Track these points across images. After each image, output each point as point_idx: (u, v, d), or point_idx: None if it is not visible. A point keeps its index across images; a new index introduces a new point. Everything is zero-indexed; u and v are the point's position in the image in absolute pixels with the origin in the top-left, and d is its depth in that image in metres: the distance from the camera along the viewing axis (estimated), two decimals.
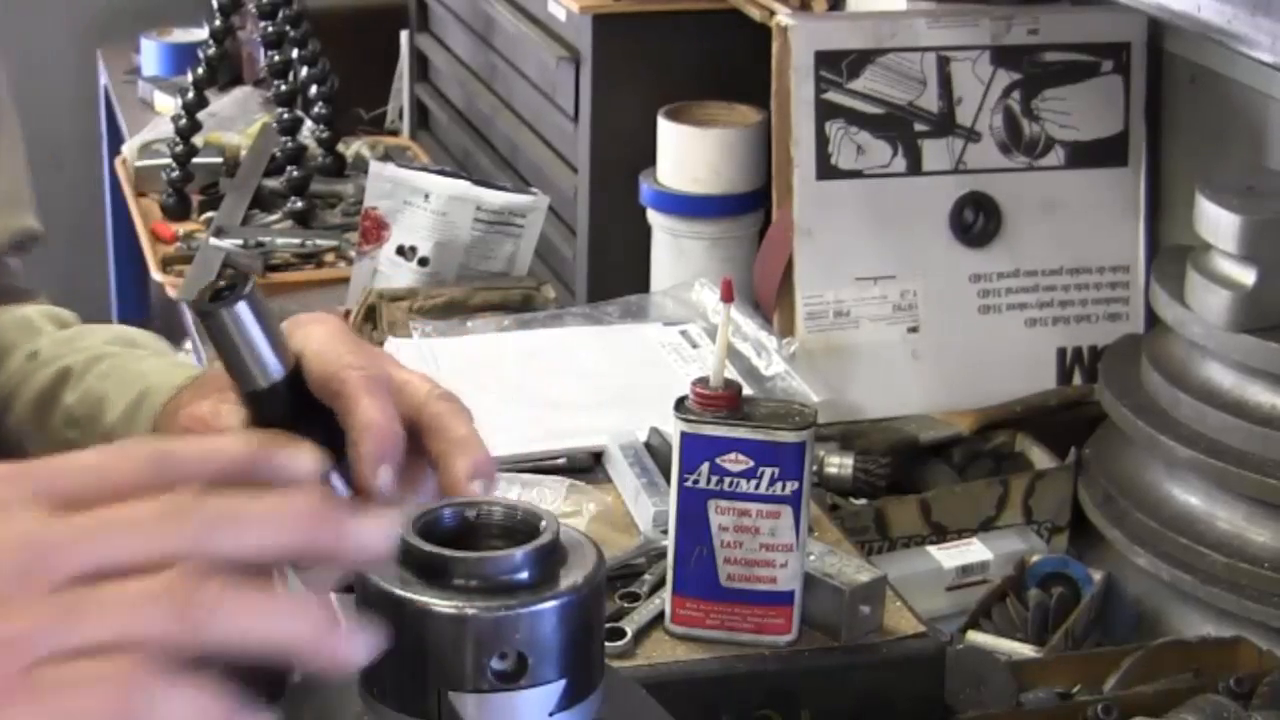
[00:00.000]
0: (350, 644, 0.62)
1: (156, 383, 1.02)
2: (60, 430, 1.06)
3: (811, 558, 1.29)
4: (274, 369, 0.78)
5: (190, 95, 2.62)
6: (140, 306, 3.50)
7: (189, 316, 2.28)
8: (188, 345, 2.50)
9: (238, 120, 2.80)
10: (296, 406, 0.79)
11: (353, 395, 0.79)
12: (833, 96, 1.79)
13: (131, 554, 0.59)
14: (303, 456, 0.67)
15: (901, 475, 1.70)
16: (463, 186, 2.08)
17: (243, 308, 0.76)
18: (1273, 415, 1.48)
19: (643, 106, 2.04)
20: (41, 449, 1.06)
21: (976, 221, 1.84)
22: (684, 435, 1.24)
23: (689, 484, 1.24)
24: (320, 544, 0.63)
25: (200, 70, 2.64)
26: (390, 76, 2.97)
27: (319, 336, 0.82)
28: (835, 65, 1.79)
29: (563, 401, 1.65)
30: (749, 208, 2.00)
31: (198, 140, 2.63)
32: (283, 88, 2.57)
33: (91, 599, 0.58)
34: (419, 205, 2.07)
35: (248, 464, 0.65)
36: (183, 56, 3.15)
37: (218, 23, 2.65)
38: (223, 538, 0.61)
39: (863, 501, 1.64)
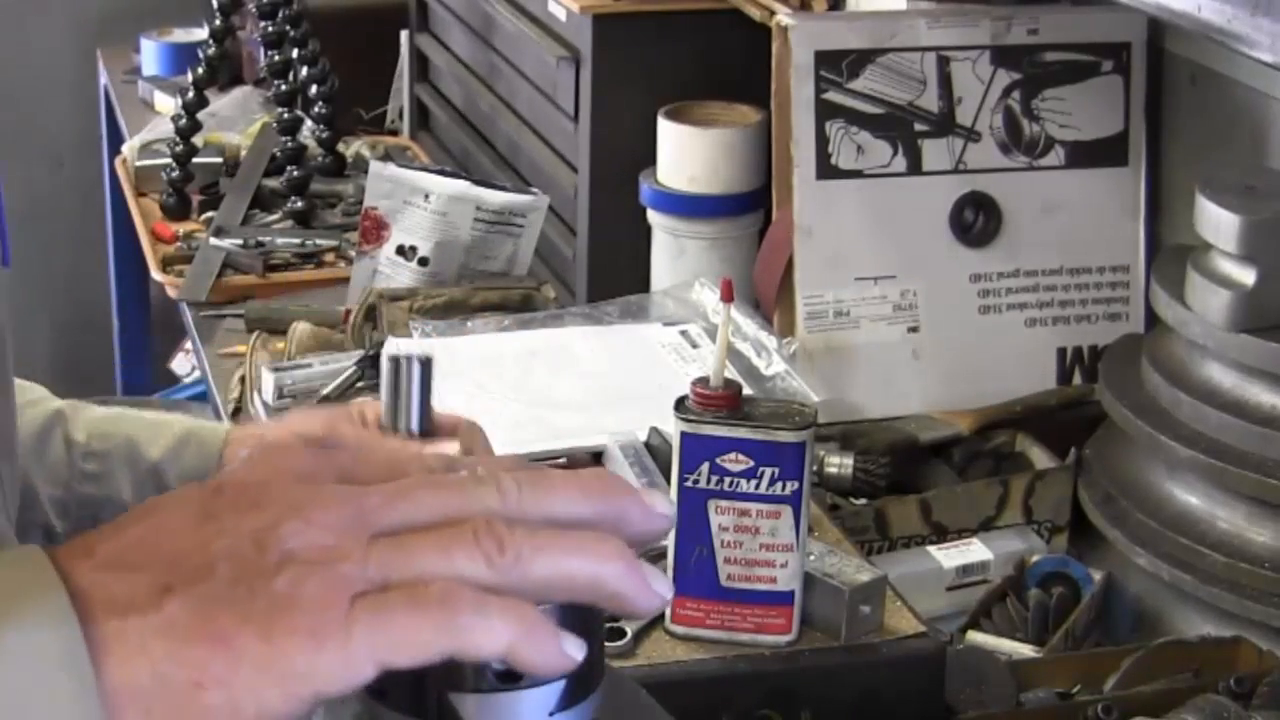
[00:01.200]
0: (655, 583, 0.64)
1: (194, 427, 1.15)
2: (74, 466, 1.13)
3: (811, 558, 1.29)
4: (421, 424, 1.01)
5: (190, 95, 2.62)
6: (140, 306, 3.50)
7: (189, 316, 2.27)
8: (188, 345, 2.50)
9: (238, 120, 2.80)
10: None
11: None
12: (833, 96, 1.79)
13: (438, 513, 0.63)
14: (660, 500, 0.68)
15: (901, 475, 1.70)
16: (463, 186, 2.08)
17: (422, 365, 1.00)
18: (1273, 415, 1.48)
19: (643, 106, 2.04)
20: (43, 476, 1.13)
21: (976, 221, 1.84)
22: (684, 435, 1.24)
23: (689, 484, 1.24)
24: (618, 513, 0.65)
25: (200, 70, 2.64)
26: (390, 76, 2.97)
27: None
28: (835, 65, 1.79)
29: (563, 401, 1.65)
30: (749, 207, 2.00)
31: (198, 140, 2.63)
32: (283, 87, 2.57)
33: (405, 542, 0.62)
34: (419, 205, 2.07)
35: (604, 506, 0.66)
36: (183, 56, 3.14)
37: (218, 23, 2.65)
38: (526, 499, 0.64)
39: (863, 501, 1.64)
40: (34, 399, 1.17)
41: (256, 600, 0.60)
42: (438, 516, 0.63)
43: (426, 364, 1.02)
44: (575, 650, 0.62)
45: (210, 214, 2.52)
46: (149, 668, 0.59)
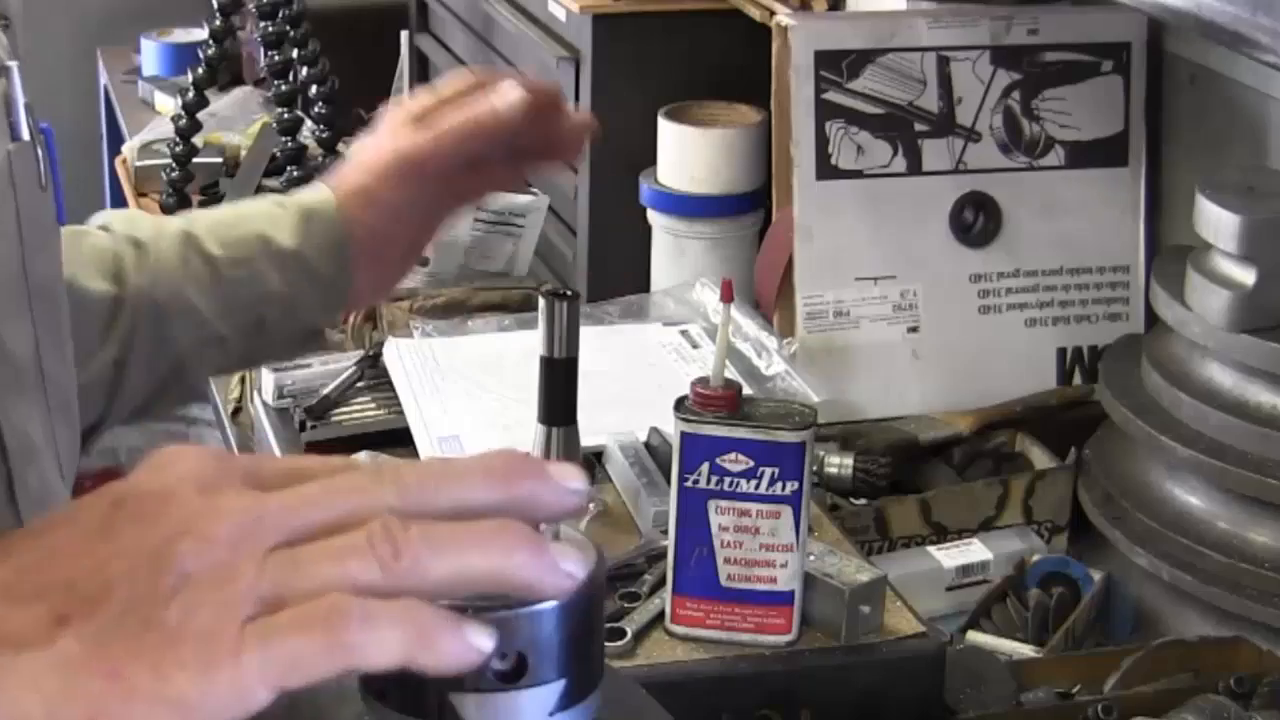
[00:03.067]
0: (565, 564, 0.62)
1: (304, 204, 1.24)
2: (214, 274, 1.21)
3: (811, 558, 1.29)
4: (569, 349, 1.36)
5: (190, 95, 2.63)
6: None
7: None
8: None
9: (238, 120, 2.80)
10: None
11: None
12: (833, 96, 1.79)
13: (337, 516, 0.62)
14: (570, 475, 0.65)
15: (901, 475, 1.70)
16: None
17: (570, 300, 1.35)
18: (1273, 415, 1.48)
19: (643, 106, 2.04)
20: (198, 290, 1.21)
21: (976, 221, 1.84)
22: (684, 435, 1.24)
23: (689, 484, 1.24)
24: (527, 495, 0.63)
25: (200, 70, 2.64)
26: (390, 77, 2.96)
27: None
28: (835, 65, 1.79)
29: None
30: (749, 208, 2.00)
31: (198, 140, 2.63)
32: (283, 88, 2.57)
33: (299, 555, 0.61)
34: None
35: (510, 489, 0.64)
36: (183, 56, 3.15)
37: (218, 23, 2.65)
38: (426, 493, 0.63)
39: (863, 501, 1.64)
40: (160, 229, 1.24)
41: (149, 631, 0.59)
42: (335, 520, 0.62)
43: (574, 299, 1.34)
44: (483, 641, 0.61)
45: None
46: (42, 704, 0.59)
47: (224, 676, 0.59)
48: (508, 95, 1.18)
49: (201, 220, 1.25)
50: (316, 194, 1.24)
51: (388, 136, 1.23)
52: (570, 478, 0.64)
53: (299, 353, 1.50)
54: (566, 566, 0.62)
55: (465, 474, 0.63)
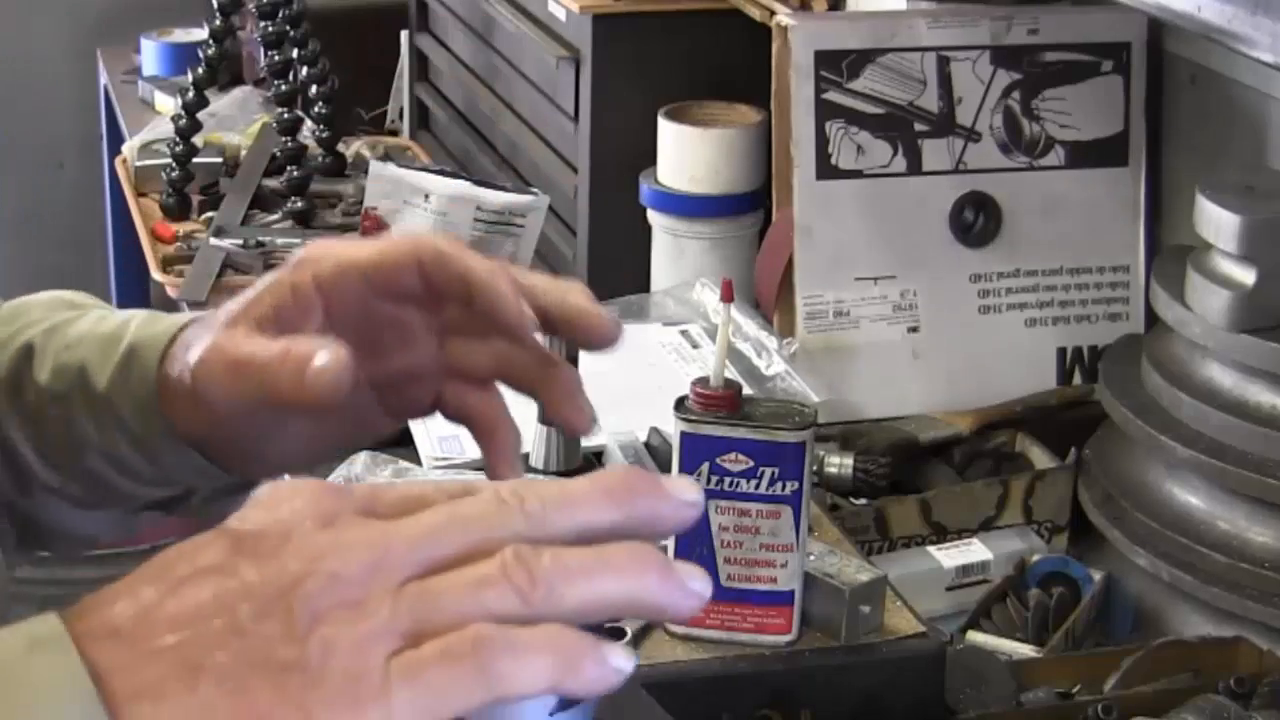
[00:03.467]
0: (693, 584, 0.63)
1: (140, 338, 0.93)
2: (41, 408, 0.97)
3: (811, 558, 1.29)
4: None
5: (190, 95, 2.62)
6: (140, 306, 3.47)
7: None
8: None
9: (238, 120, 2.79)
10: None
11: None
12: (833, 96, 1.79)
13: (466, 546, 0.61)
14: (687, 488, 0.66)
15: (902, 475, 1.70)
16: (463, 186, 2.08)
17: None
18: (1273, 415, 1.48)
19: (643, 106, 2.04)
20: (19, 427, 0.98)
21: (977, 221, 1.84)
22: (684, 435, 1.24)
23: None
24: (649, 513, 0.64)
25: (200, 70, 2.64)
26: (390, 76, 2.97)
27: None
28: (835, 65, 1.79)
29: None
30: (749, 208, 2.00)
31: (198, 140, 2.63)
32: (283, 87, 2.57)
33: (433, 587, 0.60)
34: (419, 205, 2.07)
35: (633, 509, 0.64)
36: (183, 56, 3.14)
37: (218, 23, 2.65)
38: (552, 518, 0.62)
39: (863, 501, 1.64)
40: (15, 330, 1.00)
41: (290, 674, 0.58)
42: (465, 550, 0.61)
43: None
44: (623, 663, 0.61)
45: (210, 214, 2.52)
46: None
47: (374, 714, 0.58)
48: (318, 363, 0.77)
49: (57, 332, 0.99)
50: (160, 331, 0.93)
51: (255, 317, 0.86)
52: (687, 491, 0.65)
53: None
54: (694, 586, 0.63)
55: (587, 496, 0.63)
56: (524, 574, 0.60)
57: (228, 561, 0.61)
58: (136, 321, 0.95)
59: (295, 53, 2.62)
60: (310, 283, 0.84)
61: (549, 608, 0.60)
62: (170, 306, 2.41)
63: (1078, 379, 1.85)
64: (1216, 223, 1.51)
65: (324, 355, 0.76)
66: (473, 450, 1.54)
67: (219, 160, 2.66)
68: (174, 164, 2.60)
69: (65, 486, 0.97)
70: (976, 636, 1.49)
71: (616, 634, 1.26)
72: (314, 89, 2.64)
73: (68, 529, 1.01)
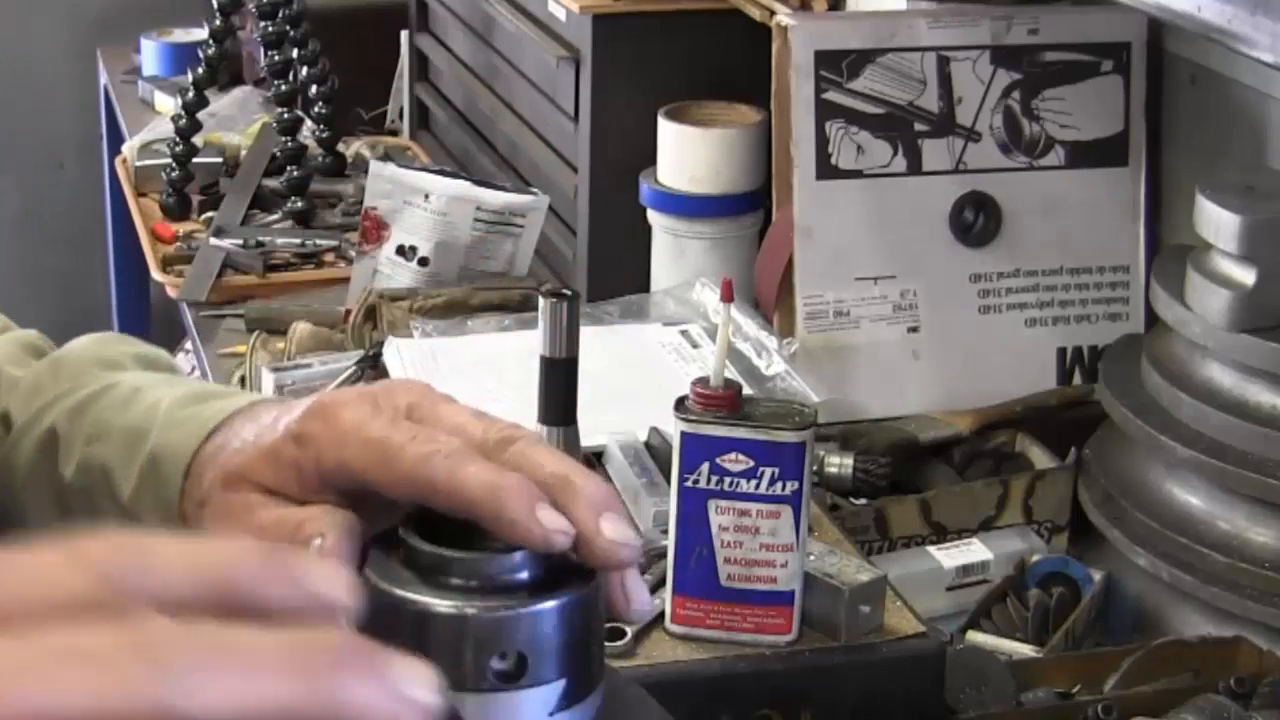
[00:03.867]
0: (405, 689, 0.49)
1: (163, 446, 0.86)
2: (58, 506, 0.91)
3: (811, 558, 1.29)
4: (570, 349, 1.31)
5: (190, 95, 2.62)
6: (140, 306, 3.50)
7: (188, 316, 2.27)
8: (188, 345, 2.50)
9: (238, 120, 2.80)
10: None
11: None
12: (833, 96, 1.79)
13: (92, 702, 0.46)
14: (332, 572, 0.53)
15: (902, 475, 1.70)
16: (463, 186, 2.08)
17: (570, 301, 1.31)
18: (1273, 415, 1.48)
19: (643, 106, 2.04)
20: (41, 526, 0.92)
21: (976, 221, 1.84)
22: (684, 435, 1.24)
23: (689, 484, 1.24)
24: (328, 693, 0.48)
25: (200, 70, 2.64)
26: (390, 76, 2.97)
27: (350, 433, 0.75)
28: (835, 65, 1.79)
29: None
30: (749, 207, 2.00)
31: (198, 140, 2.63)
32: (283, 87, 2.57)
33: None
34: (419, 205, 2.07)
35: (254, 574, 0.51)
36: (183, 56, 3.14)
37: (218, 23, 2.65)
38: (205, 685, 0.47)
39: (863, 501, 1.64)
40: (40, 406, 0.94)
41: None
42: (82, 709, 0.46)
43: (574, 299, 1.33)
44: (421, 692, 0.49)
45: (210, 214, 2.52)
46: None
47: None
48: None
49: (82, 413, 0.93)
50: (183, 443, 0.86)
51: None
52: (415, 682, 0.48)
53: None
54: (412, 691, 0.48)
55: (270, 654, 0.48)
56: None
57: None
58: (162, 414, 0.89)
59: (295, 53, 2.62)
60: (314, 469, 0.77)
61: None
62: (170, 306, 2.41)
63: (1078, 379, 1.85)
64: (1216, 223, 1.51)
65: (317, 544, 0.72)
66: None
67: (219, 160, 2.66)
68: (174, 164, 2.60)
69: None
70: (976, 636, 1.49)
71: (615, 634, 1.26)
72: (314, 89, 2.64)
73: None
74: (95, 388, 0.94)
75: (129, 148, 2.77)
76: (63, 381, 0.95)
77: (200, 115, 2.64)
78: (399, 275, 2.07)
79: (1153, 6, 1.30)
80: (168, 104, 2.99)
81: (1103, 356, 1.78)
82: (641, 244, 2.05)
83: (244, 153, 2.66)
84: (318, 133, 2.64)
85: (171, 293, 2.33)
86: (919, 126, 1.81)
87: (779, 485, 1.23)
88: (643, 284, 2.04)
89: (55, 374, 0.97)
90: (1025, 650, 1.46)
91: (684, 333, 1.83)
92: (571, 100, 2.13)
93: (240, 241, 2.37)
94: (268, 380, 1.78)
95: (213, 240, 2.38)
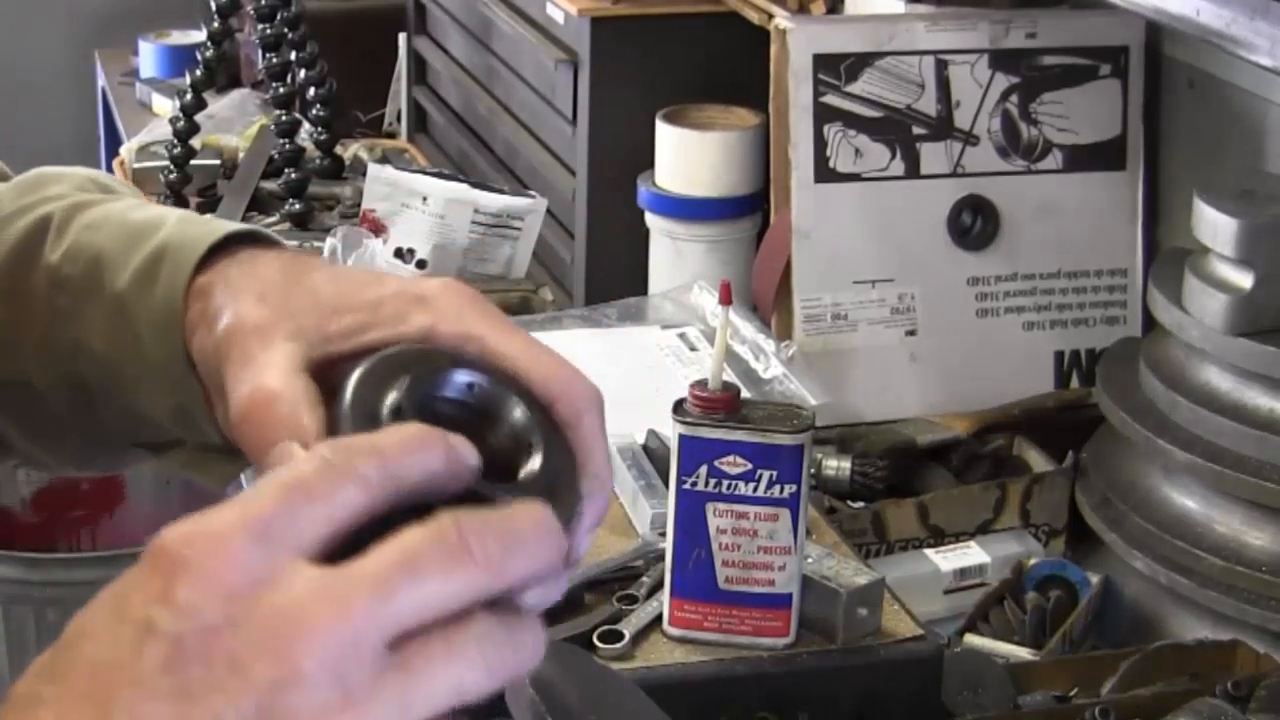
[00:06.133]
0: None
1: (176, 237, 0.80)
2: (43, 294, 0.83)
3: (809, 560, 1.29)
4: None
5: (188, 97, 2.62)
6: None
7: None
8: None
9: (236, 122, 2.80)
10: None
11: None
12: (831, 100, 1.79)
13: (438, 603, 0.58)
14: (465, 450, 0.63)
15: (899, 478, 1.70)
16: (460, 189, 2.09)
17: None
18: (1271, 419, 1.48)
19: (641, 109, 2.04)
20: (19, 316, 0.84)
21: (974, 225, 1.84)
22: (682, 438, 1.24)
23: (687, 486, 1.24)
24: (560, 554, 0.62)
25: (198, 72, 2.64)
26: (388, 79, 2.97)
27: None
28: (833, 68, 1.79)
29: None
30: (747, 211, 2.00)
31: (196, 142, 2.63)
32: (281, 90, 2.57)
33: (411, 667, 0.57)
34: (417, 208, 2.08)
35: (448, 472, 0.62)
36: (181, 58, 3.14)
37: (216, 25, 2.65)
38: (512, 565, 0.60)
39: (860, 504, 1.64)
40: (35, 200, 0.87)
41: None
42: (433, 612, 0.58)
43: None
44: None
45: (208, 216, 2.52)
46: None
47: None
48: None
49: (83, 206, 0.86)
50: (200, 235, 0.80)
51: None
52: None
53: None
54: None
55: (534, 533, 0.61)
56: (503, 645, 0.59)
57: (174, 679, 0.55)
58: (175, 218, 0.82)
59: (293, 55, 2.62)
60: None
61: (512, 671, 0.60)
62: None
63: (1075, 382, 1.86)
64: (1214, 226, 1.51)
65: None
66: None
67: (217, 162, 2.66)
68: (172, 166, 2.60)
69: (51, 392, 0.84)
70: (974, 639, 1.49)
71: (614, 635, 1.26)
72: (312, 91, 2.64)
73: (44, 442, 0.89)
74: (100, 196, 0.88)
75: (127, 149, 2.77)
76: (60, 186, 0.88)
77: (198, 117, 2.64)
78: None
79: (1151, 10, 1.30)
80: (165, 106, 2.99)
81: (1100, 360, 1.78)
82: (639, 247, 2.06)
83: (242, 155, 2.66)
84: (315, 135, 2.64)
85: None
86: (917, 130, 1.82)
87: (777, 488, 1.23)
88: (640, 287, 2.04)
89: (46, 180, 0.89)
90: (1023, 653, 1.46)
91: (682, 335, 1.83)
92: (569, 103, 2.13)
93: None
94: None
95: None
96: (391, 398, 0.66)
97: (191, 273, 0.78)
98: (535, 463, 0.67)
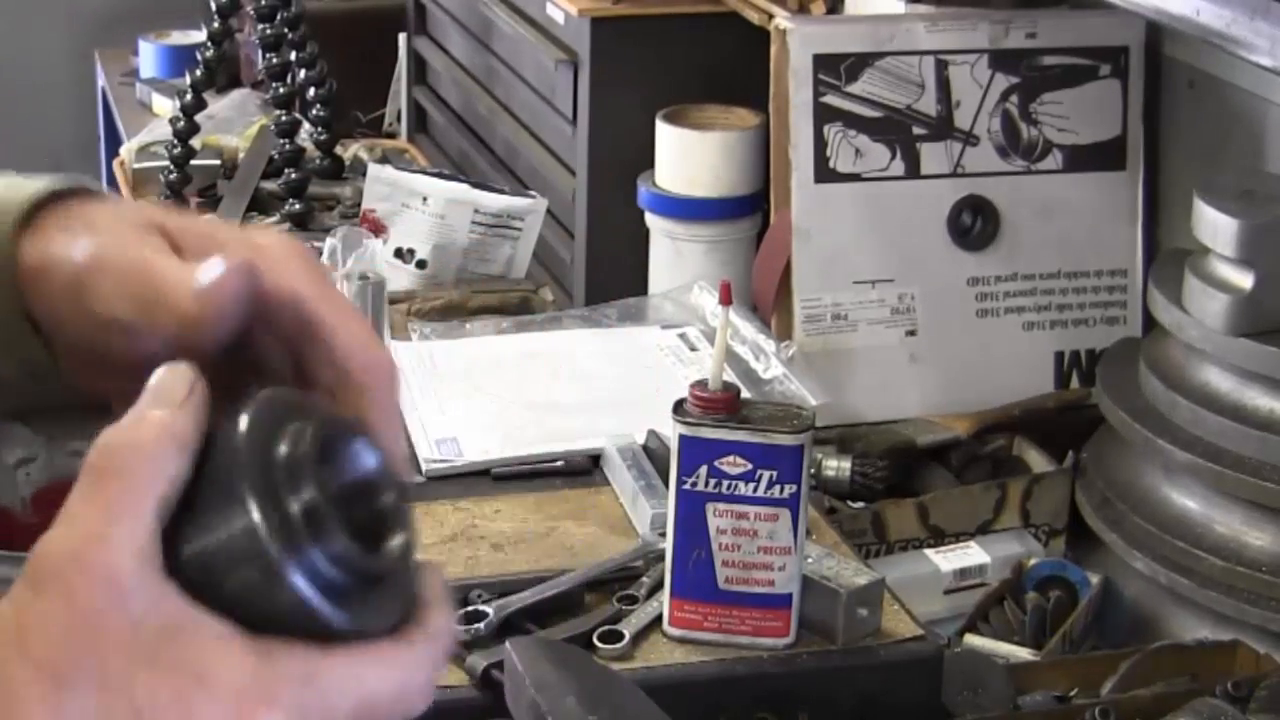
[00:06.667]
0: None
1: (11, 192, 0.75)
2: None
3: (809, 560, 1.29)
4: None
5: (188, 97, 2.62)
6: None
7: None
8: None
9: (236, 122, 2.79)
10: None
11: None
12: (831, 100, 1.79)
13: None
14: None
15: (899, 478, 1.70)
16: (461, 189, 2.08)
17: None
18: (1270, 419, 1.48)
19: (641, 109, 2.04)
20: None
21: (974, 225, 1.84)
22: (682, 438, 1.24)
23: (687, 486, 1.24)
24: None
25: (198, 72, 2.64)
26: (388, 79, 2.97)
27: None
28: (834, 68, 1.79)
29: (561, 404, 1.65)
30: (747, 211, 2.00)
31: (196, 142, 2.63)
32: (281, 90, 2.57)
33: None
34: (417, 208, 2.07)
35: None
36: (181, 59, 3.14)
37: (216, 25, 2.65)
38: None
39: (860, 504, 1.65)
40: None
41: None
42: None
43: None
44: None
45: (208, 216, 2.52)
46: None
47: None
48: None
49: None
50: (32, 187, 0.75)
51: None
52: None
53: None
54: None
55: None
56: None
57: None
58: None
59: (293, 55, 2.62)
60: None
61: None
62: None
63: (1075, 382, 1.86)
64: (1214, 227, 1.51)
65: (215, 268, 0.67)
66: (470, 453, 1.54)
67: (217, 163, 2.66)
68: (172, 166, 2.60)
69: None
70: (974, 640, 1.49)
71: (614, 635, 1.26)
72: (312, 91, 2.64)
73: None
74: None
75: (127, 150, 2.77)
76: None
77: (198, 118, 2.64)
78: (397, 278, 2.06)
79: (1151, 10, 1.30)
80: (166, 106, 2.99)
81: (1100, 360, 1.78)
82: (639, 247, 2.06)
83: (242, 155, 2.66)
84: (316, 135, 2.64)
85: None
86: (917, 130, 1.82)
87: (777, 488, 1.23)
88: (641, 287, 2.04)
89: None
90: (1023, 653, 1.46)
91: (682, 336, 1.83)
92: (570, 103, 2.13)
93: None
94: None
95: None
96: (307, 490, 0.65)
97: (17, 225, 0.74)
98: (399, 539, 0.67)
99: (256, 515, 0.61)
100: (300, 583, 0.60)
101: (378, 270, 1.85)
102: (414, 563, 0.66)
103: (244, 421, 0.64)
